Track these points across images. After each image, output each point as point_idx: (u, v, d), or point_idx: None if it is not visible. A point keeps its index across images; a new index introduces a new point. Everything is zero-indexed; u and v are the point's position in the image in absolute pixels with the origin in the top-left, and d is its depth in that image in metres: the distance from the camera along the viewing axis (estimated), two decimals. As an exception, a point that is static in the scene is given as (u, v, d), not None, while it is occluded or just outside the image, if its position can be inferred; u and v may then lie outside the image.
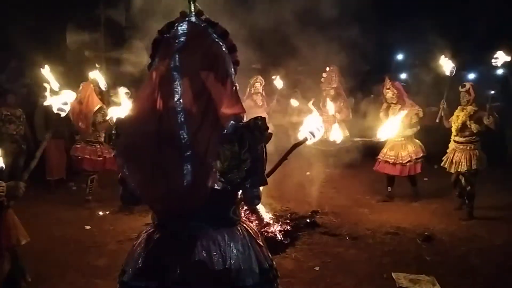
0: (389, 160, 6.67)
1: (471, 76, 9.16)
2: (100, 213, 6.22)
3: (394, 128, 2.86)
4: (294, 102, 8.76)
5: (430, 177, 7.42)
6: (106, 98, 6.71)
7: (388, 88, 6.70)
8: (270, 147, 1.82)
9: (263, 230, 4.80)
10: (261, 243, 1.95)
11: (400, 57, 12.16)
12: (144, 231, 1.93)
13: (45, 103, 3.19)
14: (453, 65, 5.76)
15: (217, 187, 1.70)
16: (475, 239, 5.04)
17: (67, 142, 7.53)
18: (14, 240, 3.47)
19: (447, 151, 6.04)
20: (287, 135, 7.32)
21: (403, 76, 11.38)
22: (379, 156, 6.88)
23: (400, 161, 6.56)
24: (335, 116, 8.82)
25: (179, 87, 1.69)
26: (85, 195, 6.63)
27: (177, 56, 1.71)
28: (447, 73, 5.81)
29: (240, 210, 1.94)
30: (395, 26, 9.89)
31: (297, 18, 6.58)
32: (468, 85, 5.87)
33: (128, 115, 1.84)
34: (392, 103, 6.66)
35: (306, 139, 2.18)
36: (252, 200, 1.84)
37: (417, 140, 6.69)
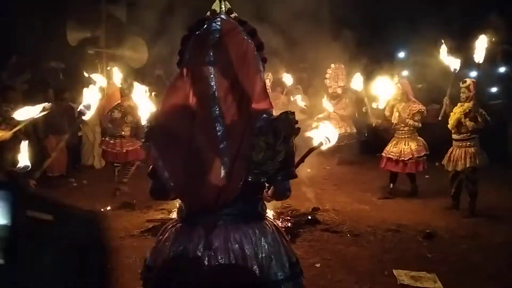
0: (392, 157, 6.68)
1: (473, 73, 9.12)
2: (101, 209, 6.22)
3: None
4: (299, 99, 8.76)
5: (431, 175, 7.41)
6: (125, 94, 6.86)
7: (395, 84, 6.72)
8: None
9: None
10: (287, 239, 1.98)
11: (401, 55, 12.12)
12: (169, 226, 1.93)
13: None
14: (458, 62, 5.72)
15: (250, 179, 1.73)
16: (476, 236, 5.03)
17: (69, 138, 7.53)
18: None
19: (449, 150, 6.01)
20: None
21: (404, 73, 11.36)
22: (382, 153, 6.89)
23: (402, 158, 6.57)
24: (338, 113, 8.86)
25: (214, 81, 1.74)
26: (115, 183, 7.12)
27: (211, 51, 1.76)
28: (451, 70, 5.78)
29: (265, 206, 1.97)
30: (397, 24, 9.86)
31: (299, 15, 6.58)
32: (469, 81, 5.80)
33: (160, 109, 1.87)
34: (397, 99, 6.68)
35: (321, 144, 2.20)
36: (284, 192, 1.89)
37: (420, 138, 6.69)
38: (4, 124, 5.67)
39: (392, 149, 6.72)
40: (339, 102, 8.97)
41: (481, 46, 5.67)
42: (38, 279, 1.05)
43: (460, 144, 5.80)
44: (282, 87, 9.13)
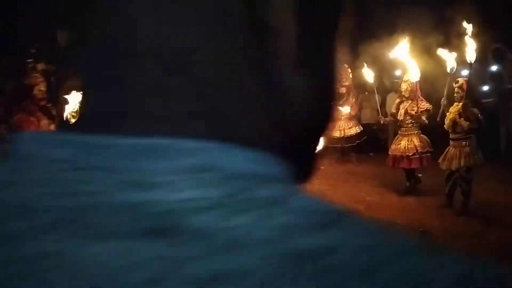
0: (396, 153, 6.80)
1: (465, 72, 9.17)
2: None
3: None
4: None
5: (425, 173, 7.43)
6: None
7: (405, 81, 6.76)
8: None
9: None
10: None
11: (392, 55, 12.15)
12: None
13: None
14: (455, 62, 5.75)
15: None
16: (470, 234, 5.04)
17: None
18: None
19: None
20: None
21: (397, 72, 11.39)
22: (389, 152, 7.03)
23: (407, 154, 6.63)
24: (346, 112, 8.79)
25: None
26: None
27: None
28: (448, 70, 5.79)
29: None
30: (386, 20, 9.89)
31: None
32: (461, 80, 5.83)
33: None
34: (404, 96, 6.71)
35: None
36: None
37: (423, 135, 6.76)
38: None
39: (396, 146, 6.83)
40: (346, 102, 8.88)
41: (471, 46, 5.70)
42: None
43: (456, 144, 5.81)
44: None
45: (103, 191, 0.30)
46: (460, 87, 5.76)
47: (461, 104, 5.69)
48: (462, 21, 6.11)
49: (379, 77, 10.44)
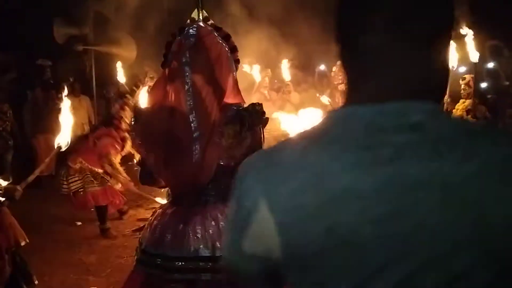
0: None
1: (462, 69, 9.18)
2: (91, 209, 6.14)
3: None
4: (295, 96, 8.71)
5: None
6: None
7: None
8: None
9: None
10: None
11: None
12: (159, 208, 2.21)
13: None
14: (456, 59, 5.73)
15: (222, 163, 1.96)
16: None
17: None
18: (12, 241, 3.32)
19: None
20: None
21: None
22: None
23: None
24: None
25: (189, 79, 1.98)
26: None
27: (187, 53, 2.01)
28: (450, 67, 5.78)
29: None
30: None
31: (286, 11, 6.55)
32: (468, 77, 5.75)
33: (146, 105, 2.18)
34: None
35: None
36: None
37: None
38: None
39: None
40: None
41: (471, 44, 5.68)
42: None
43: None
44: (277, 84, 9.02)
45: None
46: (467, 83, 5.69)
47: (468, 101, 5.63)
48: (462, 19, 6.11)
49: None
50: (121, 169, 5.04)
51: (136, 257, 2.16)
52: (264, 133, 2.07)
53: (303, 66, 8.94)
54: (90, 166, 5.01)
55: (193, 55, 2.00)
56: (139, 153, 2.09)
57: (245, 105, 2.08)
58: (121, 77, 6.48)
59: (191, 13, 2.15)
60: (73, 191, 5.02)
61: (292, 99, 8.54)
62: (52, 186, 7.44)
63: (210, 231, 1.99)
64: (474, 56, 5.71)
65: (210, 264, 1.96)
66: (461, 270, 0.67)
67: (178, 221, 2.02)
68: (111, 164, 4.95)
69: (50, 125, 7.16)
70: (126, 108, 4.97)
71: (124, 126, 4.91)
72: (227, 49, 2.08)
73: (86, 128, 8.67)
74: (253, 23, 5.65)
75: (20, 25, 9.33)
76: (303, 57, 8.80)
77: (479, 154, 0.68)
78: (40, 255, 4.52)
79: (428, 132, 0.70)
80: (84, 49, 8.22)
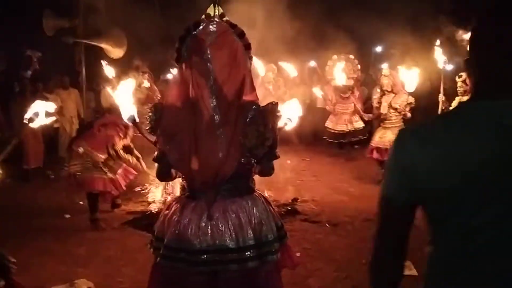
0: (381, 146, 6.86)
1: (449, 67, 9.30)
2: (81, 202, 6.16)
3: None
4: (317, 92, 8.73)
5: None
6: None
7: (386, 76, 6.85)
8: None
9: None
10: (273, 207, 2.34)
11: (379, 49, 12.27)
12: (174, 202, 2.26)
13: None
14: (445, 58, 5.77)
15: (243, 161, 2.05)
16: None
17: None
18: None
19: None
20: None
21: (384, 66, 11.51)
22: (371, 143, 7.09)
23: (388, 147, 6.73)
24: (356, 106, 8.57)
25: (212, 76, 2.04)
26: None
27: (209, 50, 2.06)
28: (440, 65, 5.79)
29: (255, 181, 2.28)
30: (373, 17, 9.97)
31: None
32: (464, 75, 5.72)
33: (166, 100, 2.17)
34: (386, 90, 6.82)
35: (285, 124, 2.48)
36: (269, 171, 2.23)
37: None
38: None
39: (380, 139, 6.91)
40: (352, 94, 8.60)
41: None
42: None
43: None
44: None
45: None
46: (464, 81, 5.68)
47: (464, 98, 5.62)
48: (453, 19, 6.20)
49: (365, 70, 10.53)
50: (124, 154, 5.27)
51: (153, 251, 2.22)
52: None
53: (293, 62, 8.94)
54: (93, 151, 5.12)
55: (215, 52, 2.04)
56: (162, 149, 2.12)
57: (261, 103, 2.13)
58: (109, 71, 6.45)
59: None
60: (72, 173, 5.17)
61: (282, 94, 8.59)
62: (40, 179, 7.45)
63: (232, 224, 2.07)
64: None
65: (235, 255, 2.06)
66: None
67: (200, 216, 2.08)
68: (116, 151, 5.19)
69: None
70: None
71: None
72: (242, 45, 2.13)
73: (75, 121, 8.67)
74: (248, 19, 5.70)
75: (9, 16, 9.24)
76: (293, 54, 8.80)
77: None
78: (29, 247, 4.55)
79: None
80: (73, 41, 8.16)
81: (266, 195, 5.63)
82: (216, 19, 2.14)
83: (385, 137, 6.86)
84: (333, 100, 8.61)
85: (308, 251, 4.45)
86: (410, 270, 4.04)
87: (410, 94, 6.83)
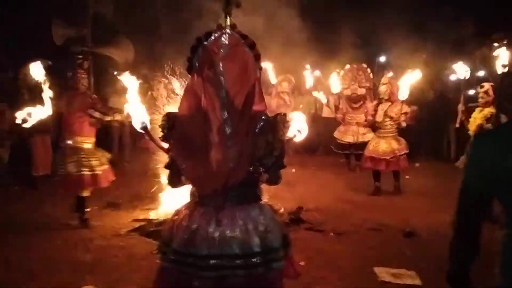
0: (374, 155, 6.84)
1: (453, 77, 9.35)
2: (87, 209, 6.21)
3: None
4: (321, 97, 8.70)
5: (411, 175, 7.59)
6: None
7: (385, 84, 6.87)
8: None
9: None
10: (278, 216, 2.40)
11: (382, 59, 12.34)
12: (183, 208, 2.29)
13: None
14: (467, 68, 5.70)
15: (251, 169, 2.11)
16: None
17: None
18: None
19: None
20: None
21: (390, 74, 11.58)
22: (365, 153, 7.04)
23: (385, 157, 6.73)
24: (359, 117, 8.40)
25: (224, 89, 2.08)
26: None
27: (221, 63, 2.09)
28: (461, 76, 5.70)
29: (262, 189, 2.33)
30: (378, 28, 10.04)
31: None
32: (487, 85, 5.63)
33: (178, 109, 2.20)
34: (383, 98, 6.82)
35: (295, 136, 2.49)
36: (276, 180, 2.26)
37: (400, 137, 6.87)
38: None
39: (374, 148, 6.89)
40: (362, 106, 8.41)
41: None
42: None
43: None
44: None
45: None
46: (486, 92, 5.59)
47: (486, 109, 5.51)
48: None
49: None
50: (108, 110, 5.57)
51: (160, 255, 2.27)
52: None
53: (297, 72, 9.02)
54: (85, 139, 5.41)
55: (227, 65, 2.08)
56: (175, 158, 2.16)
57: (270, 114, 2.17)
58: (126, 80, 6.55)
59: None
60: (68, 173, 5.30)
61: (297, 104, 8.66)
62: (48, 186, 7.51)
63: (240, 230, 2.12)
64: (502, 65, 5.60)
65: (242, 261, 2.11)
66: None
67: (208, 222, 2.13)
68: (98, 110, 5.42)
69: (48, 126, 7.24)
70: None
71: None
72: (252, 56, 2.16)
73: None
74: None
75: (19, 26, 9.39)
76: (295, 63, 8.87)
77: None
78: (36, 255, 4.60)
79: None
80: (82, 50, 8.28)
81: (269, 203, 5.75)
82: (228, 31, 2.16)
83: (378, 146, 6.84)
84: (344, 109, 8.54)
85: (312, 259, 4.48)
86: (414, 280, 4.07)
87: (414, 103, 6.85)
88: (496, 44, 6.13)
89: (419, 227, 5.40)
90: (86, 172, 5.33)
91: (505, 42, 5.31)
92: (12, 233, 5.19)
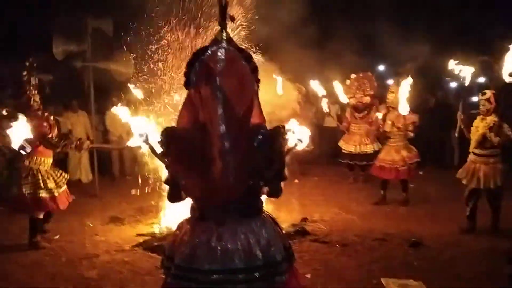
0: (384, 165, 6.85)
1: (453, 84, 9.38)
2: (90, 224, 6.20)
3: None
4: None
5: (415, 183, 7.56)
6: None
7: (392, 92, 6.87)
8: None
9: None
10: (281, 228, 2.39)
11: (381, 67, 12.40)
12: (184, 223, 2.30)
13: None
14: (469, 76, 5.60)
15: (251, 183, 2.11)
16: (461, 244, 5.16)
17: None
18: None
19: (467, 164, 5.58)
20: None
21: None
22: (375, 162, 7.09)
23: (396, 166, 6.74)
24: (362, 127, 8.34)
25: (221, 104, 2.05)
26: None
27: (218, 78, 2.06)
28: (466, 83, 5.59)
29: (262, 201, 2.32)
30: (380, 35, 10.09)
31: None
32: (489, 93, 5.40)
33: (176, 124, 2.20)
34: (391, 107, 6.83)
35: (295, 145, 2.52)
36: (277, 192, 2.26)
37: (411, 146, 6.88)
38: None
39: (384, 157, 6.91)
40: (367, 115, 8.31)
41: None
42: None
43: (483, 160, 5.37)
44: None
45: None
46: (488, 99, 5.35)
47: (489, 118, 5.34)
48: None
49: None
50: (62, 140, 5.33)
51: (163, 270, 2.28)
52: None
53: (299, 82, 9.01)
54: (44, 159, 5.26)
55: (224, 80, 2.06)
56: (173, 173, 2.17)
57: (268, 127, 2.16)
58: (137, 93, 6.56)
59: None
60: (23, 193, 5.12)
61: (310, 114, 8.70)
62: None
63: (241, 244, 2.12)
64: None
65: (244, 275, 2.10)
66: None
67: (209, 237, 2.13)
68: (53, 137, 5.28)
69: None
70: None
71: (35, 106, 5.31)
72: (249, 69, 2.15)
73: (84, 143, 8.74)
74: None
75: (19, 41, 9.45)
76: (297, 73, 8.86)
77: None
78: (41, 271, 4.58)
79: None
80: (82, 65, 8.31)
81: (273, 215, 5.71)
82: (224, 45, 2.14)
83: (388, 156, 6.84)
84: (349, 118, 8.53)
85: (318, 271, 4.44)
86: (422, 291, 4.03)
87: (415, 111, 6.83)
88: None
89: (424, 236, 5.36)
90: (43, 194, 5.15)
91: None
92: (16, 251, 5.17)
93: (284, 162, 2.19)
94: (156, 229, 5.71)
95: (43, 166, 5.26)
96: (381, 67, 12.38)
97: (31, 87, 5.39)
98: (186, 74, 2.16)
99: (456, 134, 6.03)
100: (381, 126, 7.12)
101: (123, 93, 8.75)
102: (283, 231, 5.48)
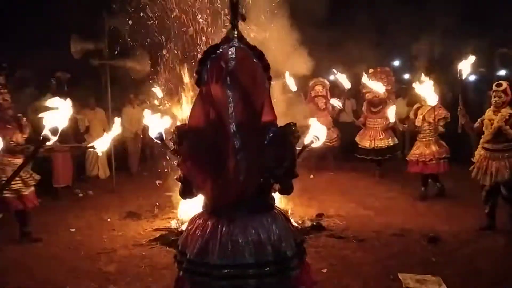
0: (412, 159, 6.90)
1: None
2: (108, 219, 6.29)
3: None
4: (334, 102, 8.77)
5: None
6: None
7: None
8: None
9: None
10: (292, 223, 2.39)
11: (396, 63, 12.26)
12: (196, 218, 2.32)
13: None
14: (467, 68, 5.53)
15: (262, 180, 2.12)
16: (479, 240, 5.09)
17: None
18: None
19: (475, 159, 5.49)
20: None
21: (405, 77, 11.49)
22: (407, 158, 7.11)
23: (423, 159, 6.73)
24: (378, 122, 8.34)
25: (232, 103, 2.05)
26: None
27: (228, 77, 2.06)
28: (462, 77, 5.41)
29: (274, 198, 2.33)
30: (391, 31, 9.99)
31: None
32: (504, 84, 5.17)
33: (188, 124, 2.21)
34: (422, 102, 6.83)
35: (312, 142, 2.54)
36: (288, 190, 2.29)
37: (442, 141, 6.83)
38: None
39: (415, 152, 6.92)
40: (383, 109, 8.23)
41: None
42: None
43: (496, 155, 5.20)
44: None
45: None
46: (504, 91, 5.11)
47: (504, 110, 5.11)
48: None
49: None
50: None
51: (176, 264, 2.31)
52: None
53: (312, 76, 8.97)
54: (12, 159, 5.13)
55: (235, 78, 2.05)
56: (186, 171, 2.19)
57: (279, 124, 2.17)
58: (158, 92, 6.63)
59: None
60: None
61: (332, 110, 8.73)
62: (69, 197, 7.64)
63: (252, 240, 2.14)
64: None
65: (254, 270, 2.12)
66: None
67: (221, 232, 2.15)
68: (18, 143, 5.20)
69: (68, 139, 7.36)
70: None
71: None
72: (261, 67, 2.14)
73: (102, 140, 8.86)
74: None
75: (38, 42, 9.61)
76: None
77: None
78: (60, 265, 4.66)
79: None
80: (99, 63, 8.41)
81: (290, 211, 5.69)
82: (235, 43, 2.13)
83: (417, 150, 6.86)
84: (365, 113, 8.50)
85: (334, 267, 4.43)
86: (439, 286, 3.99)
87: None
88: None
89: (442, 232, 5.30)
90: (7, 194, 5.04)
91: None
92: (35, 245, 5.27)
93: (295, 159, 2.19)
94: (172, 224, 5.76)
95: (9, 167, 5.09)
96: (396, 62, 12.22)
97: (0, 86, 5.22)
98: (197, 72, 2.16)
99: (459, 131, 5.93)
100: (412, 120, 7.02)
101: (139, 91, 8.86)
102: (299, 227, 5.55)
